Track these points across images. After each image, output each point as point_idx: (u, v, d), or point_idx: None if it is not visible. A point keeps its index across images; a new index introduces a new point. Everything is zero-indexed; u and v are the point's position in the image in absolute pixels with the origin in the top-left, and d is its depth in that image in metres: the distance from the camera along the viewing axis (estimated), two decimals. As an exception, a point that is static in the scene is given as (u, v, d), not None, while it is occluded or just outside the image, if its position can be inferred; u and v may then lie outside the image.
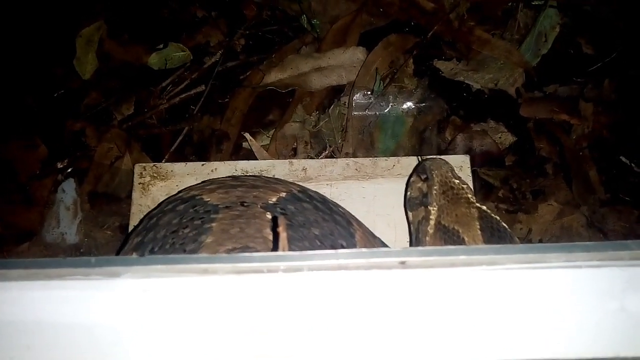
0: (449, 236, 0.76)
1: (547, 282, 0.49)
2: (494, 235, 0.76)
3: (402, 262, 0.50)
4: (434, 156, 0.91)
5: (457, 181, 0.81)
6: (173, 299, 0.48)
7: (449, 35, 1.27)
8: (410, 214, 0.86)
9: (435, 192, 0.80)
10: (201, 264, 0.49)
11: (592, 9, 1.27)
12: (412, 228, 0.85)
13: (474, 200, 0.80)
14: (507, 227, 0.78)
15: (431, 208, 0.79)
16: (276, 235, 0.54)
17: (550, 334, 0.47)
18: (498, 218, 0.79)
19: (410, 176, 0.89)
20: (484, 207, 0.79)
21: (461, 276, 0.49)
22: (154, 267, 0.49)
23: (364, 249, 0.51)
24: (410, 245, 0.89)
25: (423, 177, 0.84)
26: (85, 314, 0.48)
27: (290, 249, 0.76)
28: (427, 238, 0.78)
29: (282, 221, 0.55)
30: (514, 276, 0.49)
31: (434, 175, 0.81)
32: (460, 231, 0.76)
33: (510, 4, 1.28)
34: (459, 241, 0.76)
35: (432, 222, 0.79)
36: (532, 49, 1.24)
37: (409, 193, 0.87)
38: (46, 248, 1.05)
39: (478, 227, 0.76)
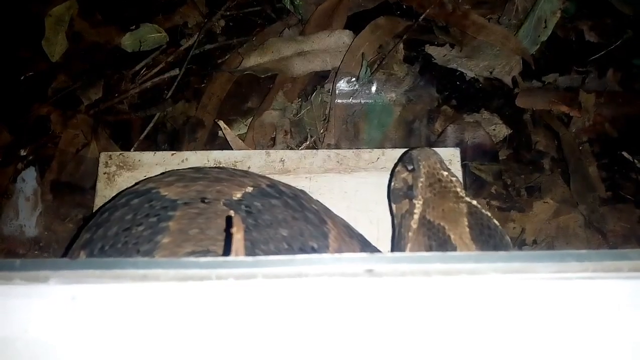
0: (433, 232, 0.72)
1: (534, 295, 0.45)
2: (483, 234, 0.71)
3: (369, 270, 0.45)
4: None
5: (446, 173, 0.76)
6: (107, 308, 0.44)
7: (442, 19, 1.22)
8: (393, 206, 0.82)
9: (421, 184, 0.75)
10: (140, 269, 0.45)
11: (596, -7, 1.22)
12: (395, 221, 0.81)
13: (464, 195, 0.75)
14: (498, 224, 0.74)
15: (416, 201, 0.75)
16: (229, 237, 0.48)
17: (536, 354, 0.42)
18: (489, 215, 0.74)
19: (396, 166, 0.85)
20: (474, 202, 0.75)
21: (437, 286, 0.45)
22: (86, 272, 0.45)
23: (326, 255, 0.45)
24: (393, 240, 0.84)
25: (409, 167, 0.79)
26: (6, 324, 0.44)
27: (250, 254, 0.71)
28: (410, 233, 0.74)
29: (237, 220, 0.49)
30: (496, 287, 0.45)
31: (421, 166, 0.76)
32: (447, 227, 0.72)
33: (508, -14, 1.22)
34: (444, 238, 0.71)
35: (416, 217, 0.74)
36: (530, 35, 1.18)
37: (393, 184, 0.82)
38: (3, 241, 1.00)
39: (466, 223, 0.72)
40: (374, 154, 0.97)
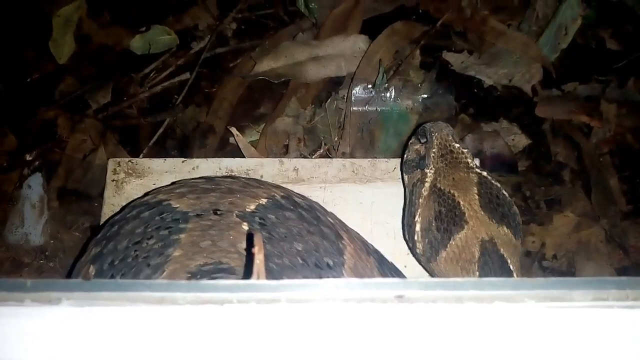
0: (443, 199, 0.76)
1: (571, 324, 0.43)
2: (492, 202, 0.76)
3: (400, 296, 0.43)
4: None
5: (458, 145, 0.80)
6: (122, 333, 0.42)
7: (460, 24, 1.20)
8: (405, 177, 0.85)
9: (433, 154, 0.79)
10: (157, 291, 0.43)
11: (618, -1, 1.20)
12: (406, 192, 0.84)
13: (474, 166, 0.79)
14: (507, 195, 0.78)
15: (427, 170, 0.79)
16: (250, 257, 0.46)
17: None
18: (499, 185, 0.78)
19: (409, 138, 0.88)
20: (485, 173, 0.79)
21: (470, 314, 0.44)
22: (100, 295, 0.43)
23: (355, 280, 0.44)
24: (403, 212, 0.86)
25: (422, 140, 0.83)
26: (17, 348, 0.42)
27: (266, 269, 0.69)
28: (421, 200, 0.78)
29: (258, 240, 0.47)
30: (532, 315, 0.43)
31: (434, 138, 0.80)
32: (456, 195, 0.76)
33: (528, -9, 1.21)
34: (454, 205, 0.75)
35: (427, 185, 0.78)
36: (551, 42, 1.17)
37: (406, 155, 0.86)
38: (8, 250, 0.98)
39: (476, 192, 0.76)
40: (390, 164, 0.95)
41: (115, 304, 0.43)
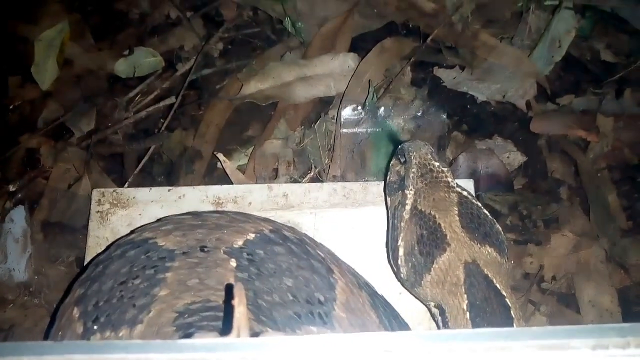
0: (424, 222, 0.76)
1: None
2: (473, 222, 0.75)
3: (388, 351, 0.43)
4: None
5: (437, 164, 0.80)
6: None
7: (451, 39, 1.20)
8: (388, 199, 0.85)
9: (412, 174, 0.79)
10: (131, 353, 0.42)
11: (612, 10, 1.19)
12: (389, 214, 0.84)
13: (455, 185, 0.79)
14: (488, 214, 0.78)
15: (407, 192, 0.78)
16: (229, 309, 0.45)
17: None
18: (480, 204, 0.78)
19: (390, 159, 0.87)
20: (465, 192, 0.78)
21: None
22: (71, 357, 0.42)
23: (341, 335, 0.43)
24: (387, 236, 0.85)
25: (402, 160, 0.82)
26: None
27: (256, 306, 0.68)
28: (403, 224, 0.77)
29: (238, 291, 0.46)
30: None
31: (412, 157, 0.80)
32: (437, 216, 0.75)
33: (520, 4, 1.20)
34: (435, 227, 0.75)
35: (407, 207, 0.78)
36: (544, 55, 1.16)
37: (388, 177, 0.86)
38: (-9, 286, 0.97)
39: (456, 212, 0.76)
40: (382, 187, 0.94)
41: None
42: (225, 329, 0.44)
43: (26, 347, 0.42)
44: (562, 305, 0.97)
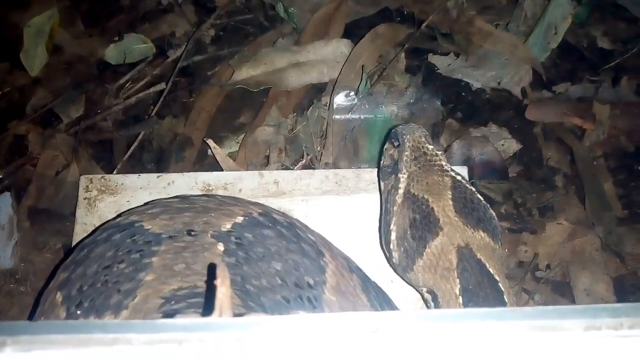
0: (417, 205, 0.75)
1: (566, 354, 0.41)
2: (466, 207, 0.75)
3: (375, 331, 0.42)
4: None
5: (431, 147, 0.79)
6: None
7: (446, 26, 1.19)
8: (382, 184, 0.84)
9: (406, 157, 0.78)
10: (110, 332, 0.41)
11: (609, -4, 1.19)
12: (382, 198, 0.83)
13: (449, 169, 0.78)
14: (482, 199, 0.77)
15: (401, 175, 0.78)
16: (212, 290, 0.44)
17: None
18: (473, 189, 0.78)
19: (383, 146, 0.86)
20: (460, 177, 0.78)
21: (459, 346, 0.41)
22: (49, 337, 0.41)
23: (326, 314, 0.42)
24: (380, 221, 0.84)
25: (396, 143, 0.82)
26: None
27: (240, 289, 0.67)
28: (395, 208, 0.77)
29: (221, 272, 0.45)
30: (524, 346, 0.41)
31: (406, 140, 0.79)
32: (430, 200, 0.75)
33: (516, -10, 1.19)
34: (428, 211, 0.74)
35: (400, 191, 0.77)
36: (540, 42, 1.15)
37: (382, 162, 0.85)
38: (-24, 274, 0.96)
39: (450, 196, 0.75)
40: (374, 174, 0.94)
41: (64, 347, 0.41)
42: (207, 309, 0.43)
43: (2, 327, 0.41)
44: (557, 294, 0.96)
